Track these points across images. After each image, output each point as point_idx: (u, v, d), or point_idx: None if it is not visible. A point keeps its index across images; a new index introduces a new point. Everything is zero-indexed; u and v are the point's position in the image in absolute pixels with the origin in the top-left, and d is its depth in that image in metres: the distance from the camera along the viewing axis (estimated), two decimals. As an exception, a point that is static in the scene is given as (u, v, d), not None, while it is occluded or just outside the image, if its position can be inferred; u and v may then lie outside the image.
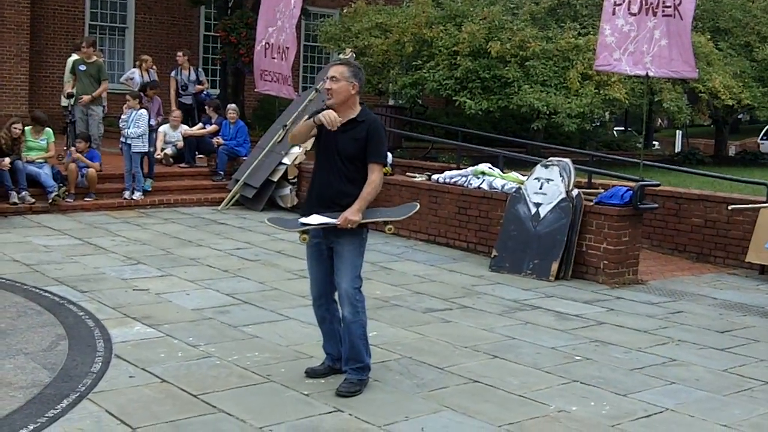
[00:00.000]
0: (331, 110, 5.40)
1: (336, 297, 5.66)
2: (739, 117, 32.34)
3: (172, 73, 16.42)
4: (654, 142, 33.46)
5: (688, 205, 10.89)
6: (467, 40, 15.86)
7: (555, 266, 9.38)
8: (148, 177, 13.27)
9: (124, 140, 12.99)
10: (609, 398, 5.65)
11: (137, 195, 12.96)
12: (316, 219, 5.53)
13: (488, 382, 5.85)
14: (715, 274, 10.14)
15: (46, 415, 4.89)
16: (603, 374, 6.14)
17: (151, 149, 13.35)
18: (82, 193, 12.61)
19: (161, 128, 14.75)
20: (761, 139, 31.57)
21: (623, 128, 35.56)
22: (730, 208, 10.27)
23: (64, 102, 14.68)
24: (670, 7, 10.05)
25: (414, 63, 16.85)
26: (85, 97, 13.71)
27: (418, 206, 5.93)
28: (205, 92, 16.87)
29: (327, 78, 5.52)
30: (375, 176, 5.48)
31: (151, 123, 13.28)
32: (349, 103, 5.51)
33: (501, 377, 5.96)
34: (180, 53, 16.66)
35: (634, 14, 10.19)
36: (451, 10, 17.31)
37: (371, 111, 5.68)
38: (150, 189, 13.25)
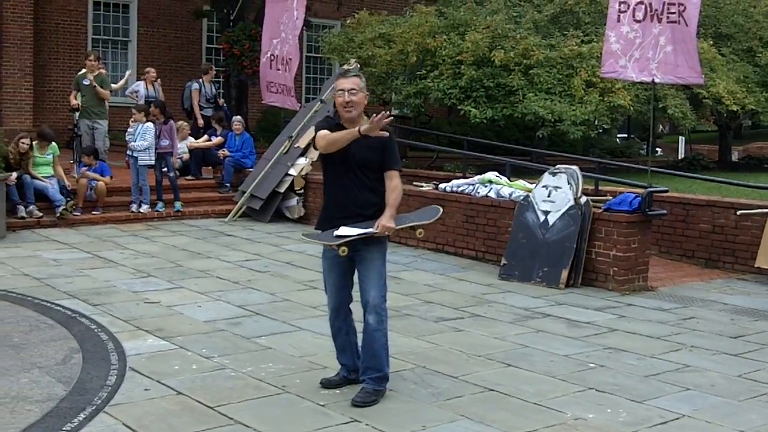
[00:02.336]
0: (389, 224, 5.42)
1: (351, 308, 5.67)
2: (741, 123, 32.31)
3: (195, 86, 16.44)
4: (657, 149, 33.45)
5: (696, 211, 10.89)
6: (471, 49, 15.87)
7: (565, 274, 9.37)
8: (176, 200, 13.32)
9: (130, 153, 13.02)
10: (625, 405, 5.64)
11: (144, 208, 12.97)
12: (347, 231, 5.49)
13: (503, 390, 5.85)
14: (725, 279, 10.13)
15: (63, 428, 4.89)
16: (618, 381, 6.14)
17: (171, 174, 13.33)
18: (90, 206, 12.62)
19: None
20: None
21: (626, 135, 35.55)
22: (738, 213, 10.27)
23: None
24: (674, 13, 10.07)
25: (418, 72, 16.85)
26: (117, 85, 13.79)
27: (441, 210, 5.91)
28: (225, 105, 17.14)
29: (345, 91, 5.48)
30: (397, 182, 5.53)
31: (163, 143, 13.23)
32: (362, 114, 5.59)
33: (515, 385, 5.96)
34: (212, 66, 16.97)
35: (639, 21, 10.21)
36: (454, 19, 17.32)
37: None
38: (182, 209, 13.32)
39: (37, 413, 5.11)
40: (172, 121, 13.64)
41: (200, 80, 16.61)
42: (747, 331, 7.74)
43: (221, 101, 17.02)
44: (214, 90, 16.83)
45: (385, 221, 5.42)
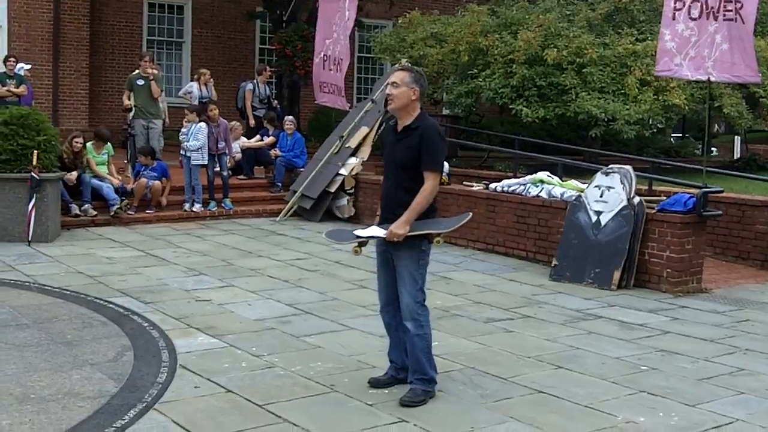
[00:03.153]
0: (397, 230, 5.35)
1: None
2: (800, 121, 31.66)
3: (249, 86, 16.57)
4: (712, 149, 32.94)
5: (751, 212, 10.69)
6: (523, 47, 15.77)
7: (617, 275, 9.25)
8: (225, 198, 13.43)
9: (183, 153, 13.16)
10: (677, 409, 5.55)
11: (197, 207, 13.10)
12: (372, 231, 5.55)
13: (553, 392, 5.79)
14: (782, 281, 9.94)
15: (114, 425, 4.94)
16: (670, 384, 6.04)
17: (225, 173, 13.45)
18: (144, 205, 12.78)
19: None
20: None
21: (680, 135, 35.08)
22: (796, 214, 10.06)
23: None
24: (731, 11, 9.90)
25: (469, 72, 16.78)
26: (151, 71, 14.12)
27: (470, 216, 5.83)
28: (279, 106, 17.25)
29: (389, 84, 5.53)
30: (426, 185, 5.38)
31: (219, 146, 13.37)
32: (408, 109, 5.49)
33: (566, 388, 5.89)
34: (267, 67, 17.12)
35: (695, 19, 10.06)
36: (507, 18, 17.24)
37: (429, 118, 5.59)
38: (233, 207, 13.44)
39: (89, 409, 5.17)
40: (225, 122, 13.75)
41: (254, 81, 16.73)
42: (805, 335, 7.58)
43: (275, 102, 17.11)
44: (268, 91, 16.94)
45: (395, 227, 5.35)
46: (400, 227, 5.35)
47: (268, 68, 17.29)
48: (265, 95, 16.72)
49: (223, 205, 13.35)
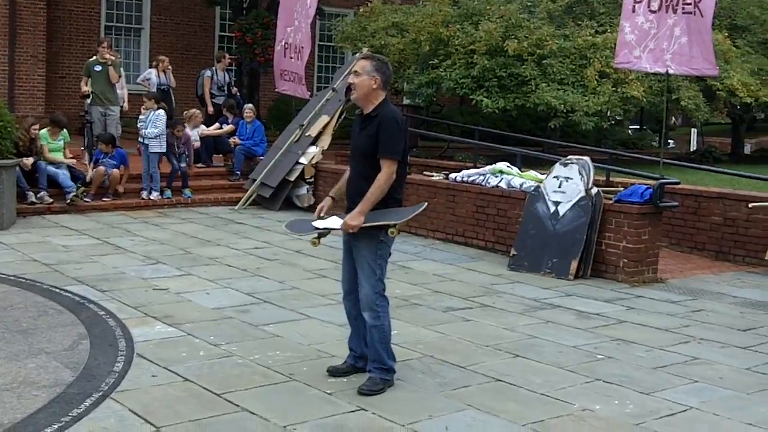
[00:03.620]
0: (351, 221, 5.34)
1: None
2: (755, 115, 32.12)
3: (207, 73, 16.45)
4: (669, 141, 33.31)
5: (707, 203, 10.83)
6: (484, 38, 15.81)
7: (574, 265, 9.34)
8: (184, 188, 13.34)
9: (141, 140, 13.05)
10: (633, 397, 5.62)
11: (155, 195, 12.99)
12: (330, 222, 5.54)
13: (511, 380, 5.83)
14: (735, 272, 10.08)
15: (70, 414, 4.89)
16: (626, 373, 6.11)
17: (183, 165, 13.38)
18: (101, 193, 12.64)
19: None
20: None
21: (638, 127, 35.41)
22: (750, 206, 10.20)
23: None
24: (690, 4, 10.01)
25: (430, 62, 16.79)
26: (107, 56, 14.00)
27: (425, 205, 5.81)
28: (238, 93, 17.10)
29: (352, 72, 5.52)
30: (381, 174, 5.32)
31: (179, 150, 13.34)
32: (370, 98, 5.45)
33: (524, 376, 5.94)
34: (227, 54, 16.97)
35: (654, 11, 10.15)
36: (468, 8, 17.26)
37: (391, 106, 5.53)
38: (192, 195, 13.35)
39: (44, 398, 5.11)
40: (188, 135, 13.68)
41: (213, 68, 16.61)
42: (757, 324, 7.69)
43: (234, 89, 16.98)
44: (227, 78, 16.81)
45: (349, 218, 5.35)
46: (354, 218, 5.34)
47: (227, 55, 17.16)
48: (224, 82, 16.60)
49: (182, 194, 13.24)
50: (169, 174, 13.21)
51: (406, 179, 5.73)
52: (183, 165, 13.36)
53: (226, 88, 16.60)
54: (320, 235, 5.68)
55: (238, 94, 17.02)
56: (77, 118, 16.64)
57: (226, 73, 16.79)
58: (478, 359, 6.29)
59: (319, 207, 5.69)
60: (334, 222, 5.56)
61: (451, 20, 16.89)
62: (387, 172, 5.33)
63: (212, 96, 16.31)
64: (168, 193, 13.16)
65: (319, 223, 5.64)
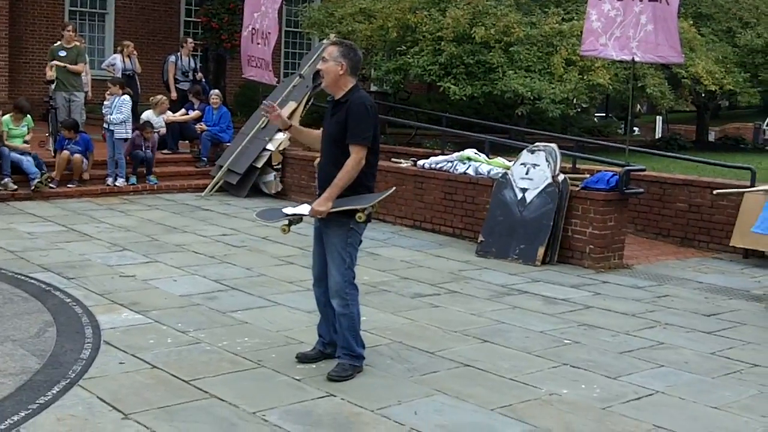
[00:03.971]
0: (318, 207, 5.36)
1: None
2: (719, 103, 32.46)
3: (172, 59, 16.33)
4: (634, 128, 33.58)
5: (672, 190, 10.93)
6: (451, 25, 15.84)
7: (541, 251, 9.39)
8: (149, 174, 13.21)
9: (106, 126, 12.92)
10: (599, 381, 5.67)
11: (120, 182, 12.88)
12: (301, 209, 5.55)
13: (479, 366, 5.86)
14: (700, 258, 10.20)
15: (38, 401, 4.85)
16: (592, 357, 6.17)
17: (149, 154, 13.29)
18: (66, 179, 12.52)
19: (145, 113, 14.61)
20: (767, 125, 31.33)
21: (604, 114, 35.66)
22: (714, 192, 10.31)
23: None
24: (655, -9, 10.06)
25: (398, 48, 16.80)
26: (59, 63, 13.65)
27: (392, 190, 5.82)
28: (202, 78, 16.90)
29: (321, 59, 5.52)
30: (350, 160, 5.31)
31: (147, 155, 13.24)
32: (339, 84, 5.43)
33: (492, 361, 5.97)
34: (190, 39, 16.76)
35: (620, -1, 10.20)
36: (435, -6, 17.29)
37: (361, 91, 5.50)
38: (157, 182, 13.21)
39: (11, 386, 5.07)
40: (155, 137, 13.58)
41: (178, 53, 16.48)
42: (721, 310, 7.79)
43: (199, 75, 16.86)
44: (192, 63, 16.68)
45: (316, 204, 5.34)
46: (321, 204, 5.33)
47: (189, 40, 16.95)
48: (188, 68, 16.46)
49: (147, 180, 13.15)
50: (134, 160, 13.08)
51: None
52: (148, 152, 13.26)
53: (190, 73, 16.48)
54: (290, 222, 5.66)
55: (203, 80, 16.92)
56: (41, 104, 16.44)
57: (191, 59, 16.66)
58: (447, 345, 6.32)
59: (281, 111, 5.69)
60: (305, 209, 5.56)
61: (419, 6, 16.89)
62: (355, 158, 5.32)
63: (177, 81, 16.22)
64: (133, 179, 13.06)
65: (290, 210, 5.64)
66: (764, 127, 31.06)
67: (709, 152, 19.87)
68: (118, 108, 12.82)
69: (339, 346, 5.58)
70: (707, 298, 8.21)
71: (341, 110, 5.39)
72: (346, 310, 5.48)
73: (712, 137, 27.86)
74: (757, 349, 6.57)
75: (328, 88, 5.47)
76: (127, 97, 13.04)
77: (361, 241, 5.59)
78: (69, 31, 14.09)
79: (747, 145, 25.54)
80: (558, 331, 6.82)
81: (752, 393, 5.54)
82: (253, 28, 14.79)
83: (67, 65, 13.76)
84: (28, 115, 12.57)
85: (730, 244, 10.16)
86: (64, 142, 12.63)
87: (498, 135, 15.92)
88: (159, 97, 15.05)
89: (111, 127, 12.79)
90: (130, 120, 12.98)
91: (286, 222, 5.64)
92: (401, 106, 19.93)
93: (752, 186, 10.19)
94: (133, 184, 13.00)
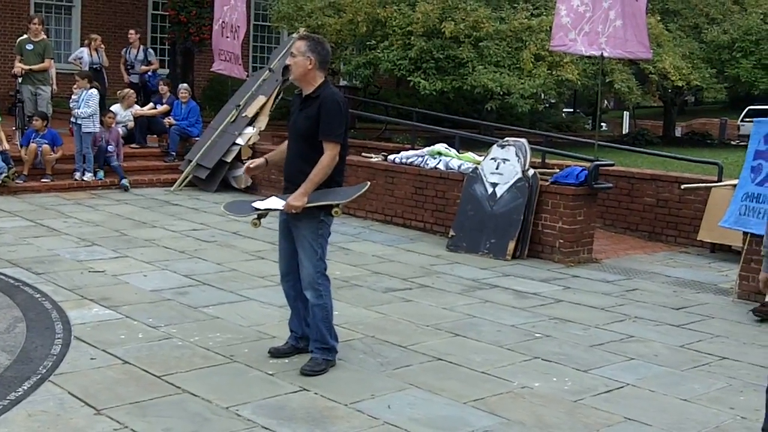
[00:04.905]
0: (294, 202, 5.34)
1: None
2: (686, 98, 32.75)
3: (123, 51, 16.21)
4: (602, 124, 33.81)
5: (640, 185, 11.03)
6: (421, 20, 15.86)
7: (511, 245, 9.44)
8: (123, 179, 13.00)
9: (74, 120, 12.80)
10: (570, 374, 5.71)
11: (88, 176, 12.76)
12: (270, 203, 5.54)
13: (451, 359, 5.89)
14: (667, 252, 10.30)
15: (8, 397, 4.80)
16: (563, 351, 6.21)
17: (115, 164, 13.11)
18: (36, 174, 12.39)
19: (113, 107, 14.47)
20: (741, 121, 31.47)
21: (572, 110, 35.88)
22: (682, 187, 10.42)
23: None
24: (624, -13, 10.10)
25: (368, 43, 16.79)
26: (24, 67, 13.47)
27: (368, 185, 5.83)
28: (151, 72, 16.53)
29: (289, 53, 5.51)
30: (324, 156, 5.33)
31: (109, 149, 13.05)
32: (308, 79, 5.43)
33: (464, 355, 6.00)
34: (132, 31, 16.47)
35: (590, -5, 10.23)
36: (405, -11, 17.29)
37: (332, 87, 5.55)
38: (128, 186, 12.95)
39: (-20, 382, 5.02)
40: (117, 130, 13.45)
41: (128, 46, 16.30)
42: (689, 303, 7.88)
43: (149, 67, 16.44)
44: (141, 56, 16.31)
45: (292, 199, 5.33)
46: (297, 199, 5.33)
47: (132, 32, 16.58)
48: (134, 60, 16.20)
49: (121, 185, 12.89)
50: (97, 154, 12.93)
51: (347, 161, 5.73)
52: (115, 163, 13.06)
53: (137, 65, 16.15)
54: (260, 216, 5.65)
55: (148, 74, 16.46)
56: (7, 98, 16.26)
57: (139, 51, 16.33)
58: (419, 339, 6.34)
59: (251, 162, 5.65)
60: (275, 203, 5.54)
61: (388, 1, 16.89)
62: (330, 154, 5.34)
63: (128, 73, 16.10)
64: (101, 174, 12.94)
65: (260, 204, 5.62)
66: (739, 123, 31.24)
67: (676, 147, 20.07)
68: (86, 102, 12.71)
69: (312, 340, 5.58)
70: (675, 292, 8.30)
71: (312, 105, 5.40)
72: (319, 301, 5.48)
73: (678, 132, 28.12)
74: (726, 342, 6.66)
75: (297, 81, 5.48)
76: (94, 91, 12.92)
77: (330, 233, 5.60)
78: (36, 24, 13.92)
79: (714, 141, 25.81)
80: (529, 325, 6.86)
81: (720, 385, 5.61)
82: (223, 22, 14.72)
83: (32, 67, 13.56)
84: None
85: (698, 239, 10.26)
86: (32, 136, 12.49)
87: (467, 130, 15.98)
88: (126, 90, 14.94)
89: (79, 121, 12.67)
90: (98, 114, 12.87)
91: (256, 216, 5.63)
92: (371, 100, 19.93)
93: (719, 181, 10.30)
94: (101, 179, 12.89)
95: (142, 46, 16.49)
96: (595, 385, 5.52)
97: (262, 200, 5.70)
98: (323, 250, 5.53)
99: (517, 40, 16.00)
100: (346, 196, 5.56)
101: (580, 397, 5.29)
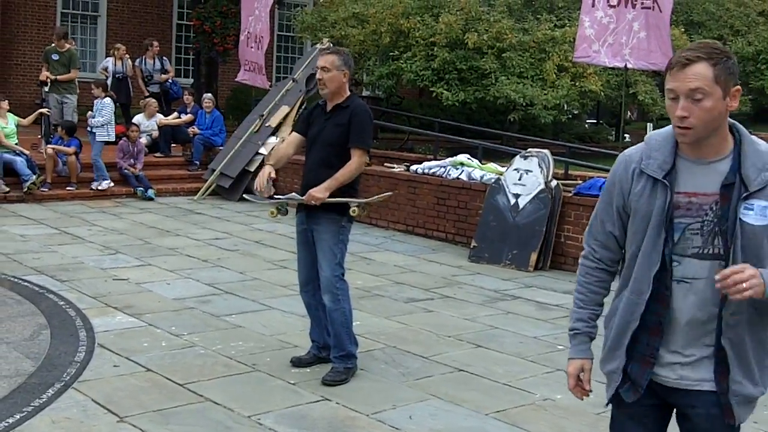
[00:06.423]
0: (317, 194, 5.37)
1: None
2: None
3: (137, 62, 16.30)
4: (625, 135, 33.64)
5: (664, 197, 10.96)
6: (444, 31, 15.86)
7: (534, 257, 9.42)
8: (149, 188, 13.07)
9: (89, 129, 12.89)
10: (593, 386, 5.66)
11: (104, 184, 12.77)
12: (291, 195, 5.62)
13: (473, 371, 5.88)
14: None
15: (32, 404, 4.85)
16: (586, 363, 6.17)
17: (140, 174, 13.22)
18: (60, 182, 12.49)
19: (136, 118, 14.58)
20: None
21: (595, 121, 35.76)
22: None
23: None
24: (649, -1, 10.11)
25: (391, 53, 16.81)
26: (50, 76, 13.63)
27: (391, 194, 5.92)
28: (170, 81, 16.65)
29: (318, 68, 5.55)
30: (353, 161, 5.46)
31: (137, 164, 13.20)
32: (340, 92, 5.56)
33: (485, 366, 5.99)
34: (155, 42, 16.60)
35: (614, 6, 10.24)
36: (428, 0, 17.30)
37: (359, 98, 5.68)
38: (153, 197, 13.00)
39: (5, 389, 5.07)
40: (142, 143, 13.53)
41: (143, 57, 16.38)
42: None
43: (164, 77, 16.51)
44: (158, 66, 16.42)
45: (314, 191, 5.40)
46: (320, 192, 5.39)
47: (152, 43, 16.68)
48: (152, 71, 16.29)
49: (146, 194, 12.95)
50: (125, 178, 13.05)
51: (369, 171, 5.79)
52: (141, 174, 13.17)
53: (154, 76, 16.24)
54: (279, 208, 5.70)
55: (168, 82, 16.55)
56: (33, 106, 16.40)
57: (156, 61, 16.42)
58: (441, 349, 6.34)
59: (264, 172, 5.63)
60: (294, 196, 5.62)
61: (412, 12, 16.90)
62: (358, 161, 5.46)
63: (146, 84, 16.19)
64: (152, 192, 12.92)
65: (280, 196, 5.69)
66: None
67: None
68: (100, 111, 12.81)
69: (332, 347, 5.59)
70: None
71: (341, 114, 5.50)
72: (337, 305, 5.51)
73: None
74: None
75: (329, 94, 5.54)
76: (108, 100, 13.03)
77: (348, 239, 5.64)
78: (55, 40, 14.12)
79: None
80: (551, 337, 6.84)
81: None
82: (248, 32, 14.84)
83: (58, 77, 13.72)
84: (10, 113, 12.53)
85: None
86: (57, 143, 12.60)
87: (490, 141, 15.97)
88: (148, 99, 15.04)
89: (93, 130, 12.77)
90: (113, 123, 12.95)
91: (274, 205, 5.69)
92: (393, 111, 19.95)
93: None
94: (152, 197, 12.90)
95: (156, 56, 16.58)
96: (618, 397, 5.48)
97: (282, 197, 5.78)
98: (342, 255, 5.59)
99: (540, 51, 15.97)
100: (367, 198, 5.68)
101: (603, 409, 5.22)
